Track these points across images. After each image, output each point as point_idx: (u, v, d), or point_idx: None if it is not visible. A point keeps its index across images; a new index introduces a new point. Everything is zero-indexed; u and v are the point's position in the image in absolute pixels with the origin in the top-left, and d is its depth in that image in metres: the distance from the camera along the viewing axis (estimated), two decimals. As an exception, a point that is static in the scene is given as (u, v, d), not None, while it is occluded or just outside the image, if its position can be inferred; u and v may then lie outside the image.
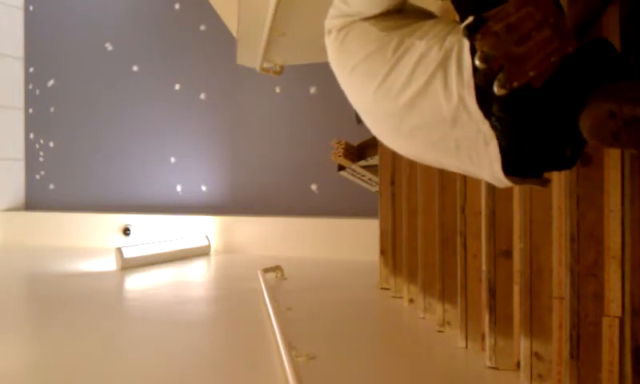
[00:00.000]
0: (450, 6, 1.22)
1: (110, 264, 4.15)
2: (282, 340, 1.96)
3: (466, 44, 0.97)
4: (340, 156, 3.48)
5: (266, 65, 3.46)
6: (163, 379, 1.88)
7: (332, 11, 1.24)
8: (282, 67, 3.58)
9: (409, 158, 1.41)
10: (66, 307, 2.95)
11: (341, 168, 3.64)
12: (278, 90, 4.91)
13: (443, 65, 1.01)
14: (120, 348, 2.25)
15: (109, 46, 5.71)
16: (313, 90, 4.72)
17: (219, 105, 5.19)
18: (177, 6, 5.38)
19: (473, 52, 0.93)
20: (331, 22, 1.23)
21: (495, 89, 0.83)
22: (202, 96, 5.26)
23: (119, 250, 4.05)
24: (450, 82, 1.00)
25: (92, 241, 5.31)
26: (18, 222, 5.85)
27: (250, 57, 3.37)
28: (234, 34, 3.42)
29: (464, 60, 0.98)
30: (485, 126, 0.99)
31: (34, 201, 6.08)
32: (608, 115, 0.88)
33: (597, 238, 1.34)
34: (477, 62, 0.85)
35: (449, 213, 2.17)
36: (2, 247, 5.52)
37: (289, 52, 3.28)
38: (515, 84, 0.82)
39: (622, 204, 1.29)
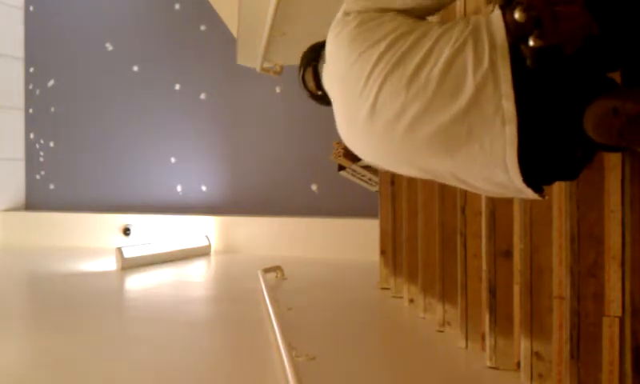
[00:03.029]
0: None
1: (110, 264, 4.15)
2: (282, 340, 1.96)
3: (497, 13, 0.99)
4: (340, 156, 3.48)
5: (266, 65, 3.46)
6: (163, 379, 1.88)
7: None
8: (282, 67, 3.58)
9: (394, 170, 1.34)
10: (67, 307, 2.95)
11: (341, 168, 3.64)
12: (277, 90, 4.91)
13: (474, 34, 1.01)
14: (120, 348, 2.25)
15: (109, 46, 5.71)
16: (313, 90, 4.71)
17: (219, 105, 5.19)
18: (177, 6, 5.38)
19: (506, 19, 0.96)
20: (354, 4, 1.19)
21: (531, 41, 0.86)
22: (202, 96, 5.26)
23: (119, 249, 4.05)
24: (481, 48, 0.99)
25: (92, 241, 5.31)
26: (18, 222, 5.85)
27: (250, 57, 3.37)
28: (234, 33, 3.41)
29: (495, 27, 0.99)
30: (508, 103, 0.96)
31: (34, 201, 6.08)
32: (612, 112, 0.89)
33: (597, 238, 1.34)
34: (516, 15, 0.88)
35: (449, 213, 2.17)
36: (2, 247, 5.52)
37: (289, 52, 3.27)
38: (550, 39, 0.87)
39: (622, 204, 1.29)
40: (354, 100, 1.14)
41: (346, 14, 1.19)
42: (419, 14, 1.17)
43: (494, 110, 0.97)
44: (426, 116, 1.04)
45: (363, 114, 1.12)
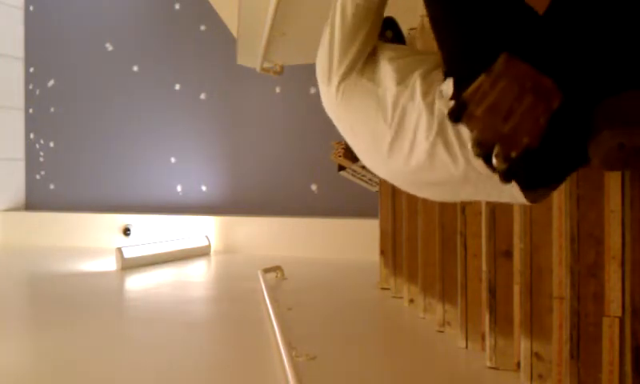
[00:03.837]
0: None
1: (110, 264, 4.15)
2: (282, 340, 1.96)
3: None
4: (340, 156, 3.47)
5: (266, 65, 3.46)
6: (163, 379, 1.88)
7: (321, 60, 1.23)
8: (282, 67, 3.57)
9: None
10: (67, 307, 2.95)
11: (341, 168, 3.64)
12: (277, 90, 4.91)
13: (441, 134, 1.00)
14: (120, 348, 2.25)
15: (109, 46, 5.71)
16: (313, 90, 4.71)
17: (219, 105, 5.19)
18: (177, 6, 5.38)
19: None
20: (323, 70, 1.22)
21: (495, 164, 0.84)
22: (202, 96, 5.26)
23: (119, 250, 4.05)
24: (452, 147, 1.00)
25: (92, 241, 5.31)
26: (18, 222, 5.85)
27: (250, 57, 3.37)
28: (234, 34, 3.41)
29: (462, 129, 0.98)
30: (497, 176, 0.98)
31: (34, 201, 6.08)
32: (618, 148, 0.88)
33: (597, 237, 1.34)
34: (471, 150, 0.88)
35: (449, 213, 2.17)
36: (2, 247, 5.52)
37: (289, 52, 3.28)
38: (513, 154, 0.83)
39: (622, 204, 1.29)
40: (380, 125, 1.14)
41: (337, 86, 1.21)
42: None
43: (488, 180, 1.01)
44: (438, 185, 1.13)
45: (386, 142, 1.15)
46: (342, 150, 3.47)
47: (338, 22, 1.17)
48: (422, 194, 1.25)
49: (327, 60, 1.20)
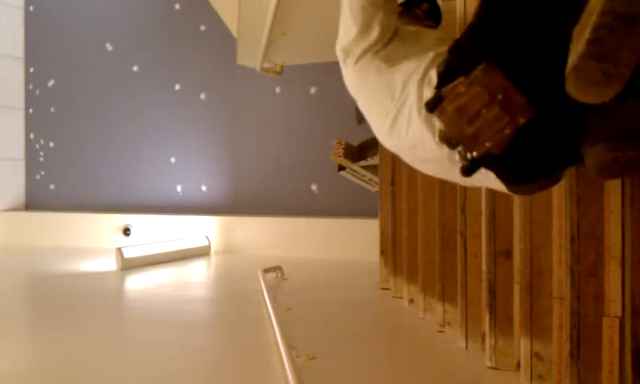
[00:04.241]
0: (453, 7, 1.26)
1: (110, 264, 4.15)
2: (282, 340, 1.96)
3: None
4: (340, 156, 3.47)
5: (266, 65, 3.46)
6: (163, 379, 1.88)
7: (341, 41, 1.31)
8: (282, 67, 3.57)
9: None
10: (66, 307, 2.95)
11: (341, 168, 3.64)
12: (278, 90, 4.91)
13: (428, 118, 1.06)
14: (120, 348, 2.25)
15: (109, 46, 5.71)
16: (313, 90, 4.72)
17: (219, 105, 5.19)
18: (177, 6, 5.38)
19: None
20: (343, 51, 1.31)
21: (457, 158, 0.91)
22: (202, 96, 5.26)
23: (119, 250, 4.05)
24: (435, 131, 1.06)
25: (92, 241, 5.31)
26: (18, 222, 5.85)
27: (250, 57, 3.37)
28: (234, 34, 3.41)
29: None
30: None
31: (34, 201, 6.08)
32: (612, 161, 0.89)
33: (597, 237, 1.34)
34: (436, 139, 0.96)
35: (449, 213, 2.17)
36: (2, 247, 5.52)
37: (289, 52, 3.28)
38: (474, 154, 0.90)
39: (622, 204, 1.29)
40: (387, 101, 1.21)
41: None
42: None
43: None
44: (432, 163, 1.20)
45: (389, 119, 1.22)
46: (342, 150, 3.47)
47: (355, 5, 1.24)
48: (421, 169, 1.34)
49: (346, 41, 1.27)
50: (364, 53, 1.24)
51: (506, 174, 1.02)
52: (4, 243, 5.70)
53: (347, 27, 1.27)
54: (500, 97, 0.85)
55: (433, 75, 1.05)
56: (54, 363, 2.05)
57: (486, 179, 1.05)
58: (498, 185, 1.07)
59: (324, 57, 3.42)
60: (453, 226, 2.12)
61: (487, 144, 0.88)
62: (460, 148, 0.91)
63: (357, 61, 1.26)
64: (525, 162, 0.97)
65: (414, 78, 1.11)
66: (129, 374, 1.94)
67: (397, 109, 1.14)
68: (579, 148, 0.95)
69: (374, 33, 1.22)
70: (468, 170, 0.94)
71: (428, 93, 1.05)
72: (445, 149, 1.01)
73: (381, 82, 1.20)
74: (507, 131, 0.86)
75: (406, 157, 1.30)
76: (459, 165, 0.98)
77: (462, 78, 0.88)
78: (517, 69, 0.87)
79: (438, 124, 1.01)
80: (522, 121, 0.86)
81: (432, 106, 0.92)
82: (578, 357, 1.38)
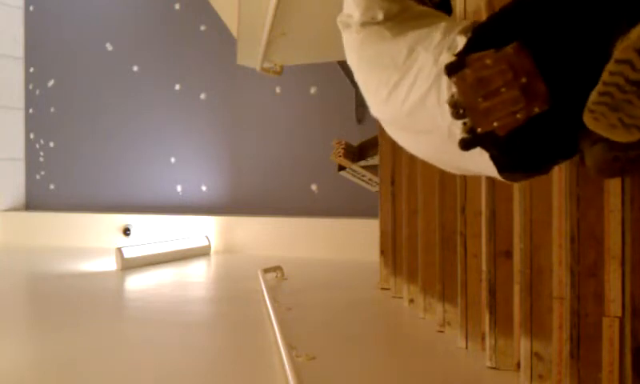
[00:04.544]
0: None
1: (110, 264, 4.15)
2: (282, 340, 1.96)
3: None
4: (340, 156, 3.47)
5: (266, 65, 3.46)
6: (163, 379, 1.88)
7: (347, 11, 1.28)
8: (282, 67, 3.57)
9: (411, 156, 1.45)
10: (66, 307, 2.95)
11: (341, 168, 3.64)
12: (278, 90, 4.91)
13: (437, 82, 1.03)
14: (120, 348, 2.25)
15: (109, 46, 5.71)
16: (313, 90, 4.71)
17: (219, 105, 5.19)
18: (177, 6, 5.38)
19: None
20: (348, 19, 1.28)
21: (461, 129, 0.89)
22: (202, 96, 5.26)
23: (119, 250, 4.05)
24: (442, 98, 1.02)
25: (92, 241, 5.31)
26: (18, 222, 5.85)
27: (250, 57, 3.37)
28: (234, 34, 3.41)
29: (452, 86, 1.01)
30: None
31: (34, 201, 6.08)
32: (612, 160, 0.89)
33: (597, 238, 1.34)
34: (446, 103, 0.92)
35: (449, 213, 2.17)
36: (2, 247, 5.52)
37: (289, 52, 3.27)
38: (479, 130, 0.88)
39: (622, 204, 1.29)
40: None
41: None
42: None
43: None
44: (426, 134, 1.15)
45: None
46: (342, 150, 3.47)
47: None
48: (412, 144, 1.27)
49: (353, 7, 1.25)
50: (369, 21, 1.23)
51: (501, 159, 1.00)
52: (4, 243, 5.70)
53: (349, 11, 1.26)
54: (524, 80, 0.84)
55: (459, 40, 1.03)
56: (54, 363, 2.05)
57: (479, 160, 1.03)
58: (488, 168, 1.05)
59: (324, 57, 3.43)
60: (453, 226, 2.12)
61: (495, 124, 0.87)
62: (467, 119, 0.89)
63: (362, 26, 1.24)
64: (524, 151, 0.96)
65: (424, 44, 1.09)
66: (129, 374, 1.94)
67: (399, 75, 1.12)
68: (577, 145, 0.95)
69: (378, 17, 1.21)
70: (468, 143, 0.93)
71: (446, 58, 1.02)
72: (447, 118, 0.99)
73: (383, 50, 1.18)
74: (520, 116, 0.85)
75: (398, 127, 1.26)
76: (458, 137, 0.96)
77: (491, 51, 0.86)
78: (548, 60, 0.86)
79: (449, 91, 0.99)
80: (536, 110, 0.85)
81: (453, 69, 0.90)
82: (578, 357, 1.38)
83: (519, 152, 0.96)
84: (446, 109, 1.00)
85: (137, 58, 5.56)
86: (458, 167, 1.23)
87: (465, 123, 0.90)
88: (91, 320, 2.69)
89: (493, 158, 1.00)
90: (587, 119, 0.82)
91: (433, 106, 1.04)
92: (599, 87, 0.79)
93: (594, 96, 0.80)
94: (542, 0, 0.92)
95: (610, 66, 0.78)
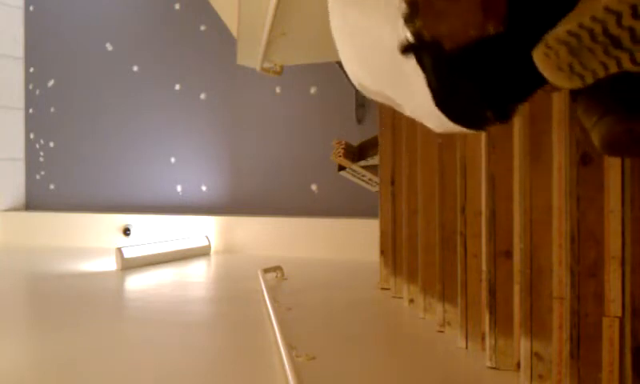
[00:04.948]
0: None
1: (110, 264, 4.15)
2: (281, 340, 1.96)
3: None
4: (340, 156, 3.47)
5: (266, 65, 3.46)
6: (163, 379, 1.88)
7: None
8: (282, 67, 3.57)
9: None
10: (66, 307, 2.95)
11: (341, 168, 3.64)
12: (278, 90, 4.91)
13: None
14: (120, 348, 2.25)
15: (109, 46, 5.71)
16: (313, 90, 4.71)
17: (219, 105, 5.19)
18: (177, 6, 5.38)
19: None
20: None
21: (407, 28, 0.80)
22: (202, 96, 5.26)
23: (119, 250, 4.05)
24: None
25: (92, 241, 5.31)
26: (18, 222, 5.85)
27: (250, 57, 3.37)
28: (234, 34, 3.41)
29: None
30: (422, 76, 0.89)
31: (34, 201, 6.08)
32: (625, 132, 0.85)
33: (597, 238, 1.34)
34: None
35: (449, 213, 2.17)
36: (2, 247, 5.52)
37: (289, 52, 3.27)
38: (425, 34, 0.80)
39: (622, 204, 1.29)
40: None
41: None
42: None
43: None
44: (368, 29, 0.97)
45: None
46: (342, 150, 3.47)
47: None
48: (363, 71, 1.08)
49: None
50: None
51: (436, 85, 0.88)
52: (4, 243, 5.70)
53: None
54: None
55: None
56: (54, 363, 2.05)
57: (415, 85, 0.91)
58: (424, 100, 0.92)
59: (324, 57, 3.42)
60: (453, 226, 2.12)
61: (445, 31, 0.78)
62: (417, 20, 0.80)
63: None
64: (463, 81, 0.86)
65: None
66: (129, 374, 1.94)
67: None
68: (523, 94, 0.88)
69: None
70: (409, 47, 0.83)
71: None
72: (400, 22, 0.87)
73: None
74: (472, 33, 0.78)
75: (351, 46, 1.07)
76: (402, 39, 0.86)
77: None
78: None
79: None
80: (490, 30, 0.78)
81: None
82: (578, 357, 1.38)
83: (458, 79, 0.86)
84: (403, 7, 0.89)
85: (137, 58, 5.57)
86: (389, 83, 1.03)
87: (414, 24, 0.81)
88: (91, 320, 2.69)
89: (430, 84, 0.89)
90: (538, 53, 0.76)
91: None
92: (572, 26, 0.73)
93: (560, 33, 0.74)
94: None
95: (596, 11, 0.72)
